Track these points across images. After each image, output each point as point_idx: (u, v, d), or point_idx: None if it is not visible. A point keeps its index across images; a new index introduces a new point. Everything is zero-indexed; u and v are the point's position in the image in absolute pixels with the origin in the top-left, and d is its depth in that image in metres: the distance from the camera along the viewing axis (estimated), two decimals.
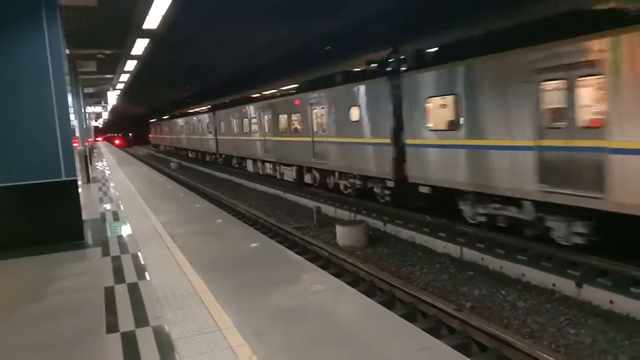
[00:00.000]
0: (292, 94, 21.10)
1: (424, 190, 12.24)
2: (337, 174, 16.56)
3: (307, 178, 18.98)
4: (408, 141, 12.48)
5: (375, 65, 15.20)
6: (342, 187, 16.44)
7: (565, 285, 8.17)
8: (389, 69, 14.38)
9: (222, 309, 5.40)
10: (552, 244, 9.27)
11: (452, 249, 10.59)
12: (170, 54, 20.68)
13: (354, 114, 14.73)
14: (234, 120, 26.94)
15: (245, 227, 10.35)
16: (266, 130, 22.07)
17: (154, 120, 67.24)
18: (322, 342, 4.59)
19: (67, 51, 14.89)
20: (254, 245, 8.33)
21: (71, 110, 11.25)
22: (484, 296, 8.32)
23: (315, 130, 17.34)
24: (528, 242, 9.72)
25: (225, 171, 29.13)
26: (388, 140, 13.19)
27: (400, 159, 12.87)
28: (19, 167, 8.62)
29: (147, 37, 15.70)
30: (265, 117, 22.07)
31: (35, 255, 8.23)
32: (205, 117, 34.00)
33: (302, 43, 18.46)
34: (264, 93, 28.59)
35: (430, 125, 11.73)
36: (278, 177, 21.78)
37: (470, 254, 10.12)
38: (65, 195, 8.93)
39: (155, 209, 12.22)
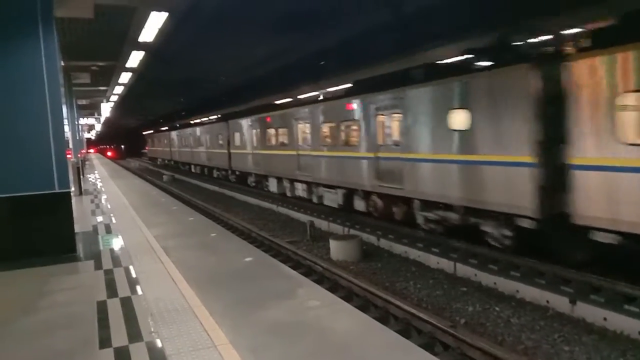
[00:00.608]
0: (338, 97, 16.96)
1: (603, 237, 8.11)
2: (416, 202, 12.39)
3: (360, 205, 14.85)
4: (581, 161, 8.26)
5: (506, 48, 10.38)
6: (420, 221, 12.30)
7: (559, 302, 8.18)
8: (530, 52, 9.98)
9: (217, 325, 5.36)
10: (546, 260, 9.30)
11: (445, 264, 10.59)
12: (165, 67, 20.71)
13: (458, 120, 10.59)
14: (254, 131, 22.67)
15: (239, 241, 10.31)
16: (299, 143, 18.21)
17: (151, 132, 64.60)
18: (319, 357, 4.57)
19: (62, 63, 14.86)
20: (248, 259, 8.29)
21: (65, 122, 11.23)
22: (478, 312, 8.32)
23: (380, 143, 13.38)
24: (521, 258, 9.74)
25: (217, 184, 29.08)
26: (528, 159, 9.06)
27: (553, 186, 8.82)
28: (12, 178, 8.55)
29: (143, 50, 15.75)
30: (298, 126, 18.22)
31: (28, 267, 8.15)
32: (215, 128, 29.75)
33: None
34: (299, 97, 24.51)
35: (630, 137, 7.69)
36: (315, 201, 17.70)
37: (463, 270, 10.12)
38: (58, 208, 8.87)
39: (148, 222, 12.15)
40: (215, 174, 31.79)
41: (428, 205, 11.90)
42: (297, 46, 18.61)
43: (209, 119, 37.99)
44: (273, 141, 20.72)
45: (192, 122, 44.06)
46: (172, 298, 6.33)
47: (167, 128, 51.63)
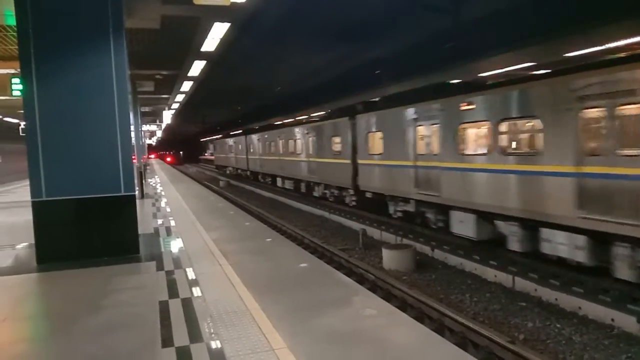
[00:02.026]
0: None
1: None
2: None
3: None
4: None
5: None
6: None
7: (625, 321, 7.81)
8: None
9: (275, 329, 5.43)
10: (611, 277, 8.90)
11: (503, 278, 10.31)
12: (225, 75, 21.26)
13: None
14: (430, 130, 13.70)
15: (294, 247, 10.42)
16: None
17: (218, 136, 58.49)
18: None
19: (129, 71, 15.56)
20: (303, 265, 8.37)
21: (131, 128, 11.71)
22: (538, 329, 8.06)
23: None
24: (584, 274, 9.37)
25: (270, 190, 29.47)
26: None
27: None
28: (81, 180, 8.94)
29: (204, 59, 16.25)
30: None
31: (93, 267, 8.50)
32: (328, 128, 20.87)
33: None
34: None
35: None
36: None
37: (522, 284, 9.83)
38: (123, 210, 9.25)
39: (207, 226, 12.48)
40: (321, 192, 22.30)
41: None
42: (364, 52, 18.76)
43: (313, 116, 30.02)
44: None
45: (281, 121, 35.81)
46: (230, 300, 6.47)
47: (241, 131, 43.65)
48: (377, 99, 19.51)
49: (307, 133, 23.26)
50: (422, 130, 14.07)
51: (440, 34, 15.92)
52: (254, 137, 34.72)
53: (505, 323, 8.38)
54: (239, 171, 42.43)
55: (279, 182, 29.10)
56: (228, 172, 48.61)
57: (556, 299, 9.04)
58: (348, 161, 18.75)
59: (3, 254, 10.04)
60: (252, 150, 35.85)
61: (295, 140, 25.33)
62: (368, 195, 17.49)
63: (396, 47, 19.11)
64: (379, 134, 16.43)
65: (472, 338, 7.44)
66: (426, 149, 13.84)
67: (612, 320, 8.01)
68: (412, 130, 14.40)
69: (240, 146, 40.26)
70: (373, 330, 5.37)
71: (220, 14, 11.01)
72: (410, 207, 14.92)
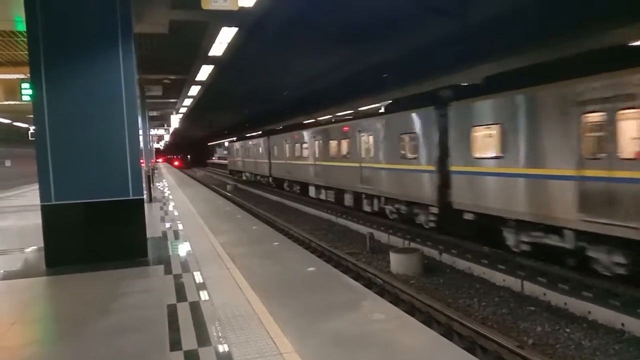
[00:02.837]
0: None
1: None
2: None
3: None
4: None
5: None
6: None
7: (636, 326, 7.74)
8: None
9: (283, 333, 5.43)
10: (621, 281, 8.83)
11: (512, 282, 10.26)
12: (232, 80, 21.33)
13: None
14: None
15: (302, 251, 10.42)
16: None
17: (232, 139, 51.82)
18: None
19: (137, 76, 15.66)
20: (311, 269, 8.36)
21: (140, 132, 11.77)
22: (547, 333, 8.01)
23: None
24: (594, 278, 9.30)
25: (277, 194, 29.50)
26: None
27: None
28: (90, 184, 9.00)
29: (212, 64, 16.33)
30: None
31: (101, 270, 8.53)
32: (396, 122, 15.96)
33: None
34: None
35: None
36: None
37: (531, 288, 9.77)
38: (131, 214, 9.29)
39: (215, 230, 12.51)
40: (378, 206, 17.69)
41: None
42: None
43: (363, 110, 25.08)
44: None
45: (315, 119, 30.76)
46: (238, 304, 6.48)
47: (261, 132, 38.88)
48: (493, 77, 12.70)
49: (359, 131, 18.34)
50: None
51: None
52: (279, 138, 29.24)
53: (514, 327, 8.33)
54: (259, 178, 36.46)
55: (311, 191, 23.87)
56: (245, 178, 41.75)
57: (565, 304, 8.98)
58: (430, 168, 13.93)
59: (12, 257, 10.12)
60: (275, 154, 30.44)
61: (338, 141, 20.32)
62: (468, 217, 12.71)
63: None
64: (498, 128, 11.35)
65: (480, 342, 7.40)
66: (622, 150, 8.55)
67: (622, 325, 7.93)
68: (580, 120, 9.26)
69: (260, 149, 34.52)
70: (381, 334, 5.35)
71: (228, 18, 11.07)
72: (562, 241, 10.02)
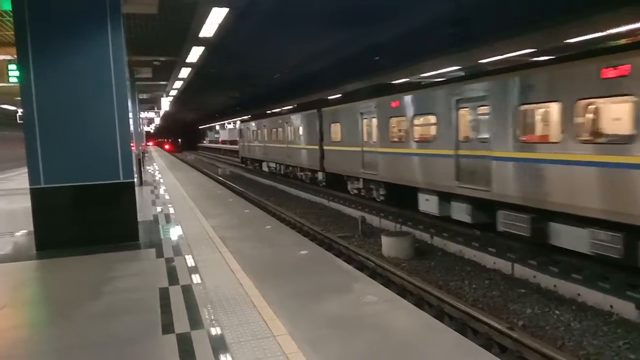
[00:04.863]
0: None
1: None
2: None
3: None
4: None
5: None
6: None
7: (624, 308, 7.83)
8: None
9: (275, 315, 5.44)
10: (611, 265, 8.92)
11: (502, 265, 10.33)
12: (223, 62, 21.11)
13: None
14: None
15: (294, 234, 10.42)
16: None
17: (244, 117, 42.53)
18: (379, 354, 4.54)
19: (126, 57, 15.46)
20: (303, 252, 8.37)
21: (129, 115, 11.65)
22: (537, 315, 8.08)
23: None
24: (584, 260, 9.39)
25: (269, 178, 29.43)
26: None
27: None
28: (79, 167, 8.94)
29: (203, 45, 16.14)
30: None
31: (92, 254, 8.50)
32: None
33: None
34: None
35: None
36: None
37: (522, 271, 9.85)
38: (122, 197, 9.23)
39: (206, 213, 12.47)
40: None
41: None
42: None
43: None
44: None
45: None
46: (230, 287, 6.47)
47: (295, 106, 28.60)
48: None
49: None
50: None
51: None
52: (347, 110, 18.08)
53: (504, 309, 8.40)
54: (297, 172, 25.38)
55: (422, 203, 13.69)
56: (268, 170, 30.98)
57: (555, 286, 9.06)
58: None
59: (2, 241, 10.04)
60: (337, 135, 19.14)
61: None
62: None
63: None
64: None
65: (471, 324, 7.46)
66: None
67: (611, 306, 8.03)
68: None
69: (299, 129, 23.37)
70: (374, 316, 5.38)
71: None
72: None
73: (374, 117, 16.20)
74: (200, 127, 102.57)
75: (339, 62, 21.92)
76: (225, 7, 11.45)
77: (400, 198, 15.60)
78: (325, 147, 20.57)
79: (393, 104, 14.86)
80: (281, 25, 15.67)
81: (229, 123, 70.95)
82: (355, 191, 18.65)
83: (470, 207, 11.93)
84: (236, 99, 42.33)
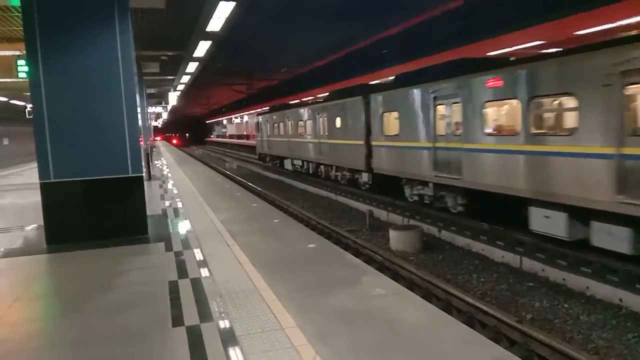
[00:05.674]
0: None
1: None
2: None
3: None
4: None
5: None
6: None
7: (634, 301, 7.79)
8: None
9: (284, 308, 5.47)
10: (619, 257, 8.87)
11: (510, 258, 10.31)
12: (230, 56, 21.08)
13: None
14: None
15: (301, 228, 10.45)
16: None
17: (264, 109, 38.05)
18: (388, 346, 4.56)
19: (134, 52, 15.50)
20: (311, 245, 8.39)
21: (137, 109, 11.69)
22: (545, 308, 8.06)
23: None
24: (592, 254, 9.35)
25: (276, 172, 29.46)
26: None
27: None
28: (89, 162, 9.00)
29: (210, 40, 16.14)
30: None
31: (102, 248, 8.57)
32: None
33: None
34: None
35: None
36: None
37: (530, 264, 9.82)
38: (131, 191, 9.30)
39: (214, 207, 12.53)
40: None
41: None
42: None
43: None
44: None
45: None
46: (239, 280, 6.51)
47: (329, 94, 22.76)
48: None
49: None
50: None
51: None
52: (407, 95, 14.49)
53: (512, 303, 8.38)
54: (321, 168, 22.67)
55: (536, 220, 10.12)
56: (291, 168, 27.18)
57: (564, 279, 9.03)
58: None
59: (13, 235, 10.14)
60: (391, 126, 15.90)
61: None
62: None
63: None
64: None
65: (479, 318, 7.46)
66: None
67: (620, 300, 7.99)
68: None
69: (335, 120, 19.78)
70: (382, 309, 5.39)
71: None
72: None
73: (456, 102, 12.38)
74: (207, 122, 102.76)
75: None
76: (232, 0, 11.44)
77: (487, 209, 12.19)
78: (373, 143, 16.81)
79: (492, 83, 11.09)
80: (287, 20, 15.63)
81: (237, 117, 71.05)
82: (417, 198, 15.00)
83: (630, 230, 8.17)
84: (252, 88, 41.49)
